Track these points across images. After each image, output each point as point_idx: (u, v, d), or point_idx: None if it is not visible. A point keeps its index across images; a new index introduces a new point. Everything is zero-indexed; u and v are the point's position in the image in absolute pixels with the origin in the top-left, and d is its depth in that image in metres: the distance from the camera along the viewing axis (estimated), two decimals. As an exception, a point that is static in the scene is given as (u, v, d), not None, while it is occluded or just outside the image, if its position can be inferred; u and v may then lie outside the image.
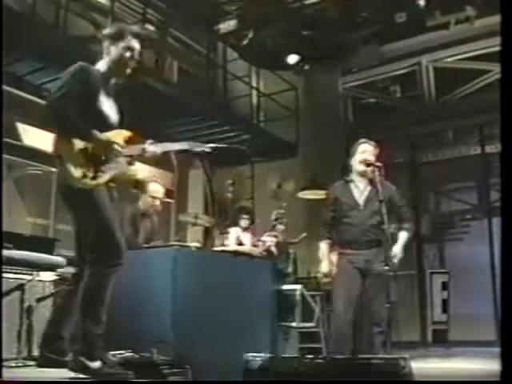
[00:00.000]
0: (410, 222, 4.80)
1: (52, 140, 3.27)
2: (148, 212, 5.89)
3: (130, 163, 3.50)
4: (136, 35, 3.55)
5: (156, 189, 5.86)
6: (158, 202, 5.92)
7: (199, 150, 3.71)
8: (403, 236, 4.66)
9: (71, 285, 3.45)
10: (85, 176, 3.19)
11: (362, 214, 4.61)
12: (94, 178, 3.22)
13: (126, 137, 3.46)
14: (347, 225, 4.66)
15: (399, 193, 4.84)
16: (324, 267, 4.80)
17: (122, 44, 3.48)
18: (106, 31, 3.59)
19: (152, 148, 3.50)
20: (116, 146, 3.32)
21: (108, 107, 3.45)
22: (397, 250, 4.55)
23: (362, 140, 4.79)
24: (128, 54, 3.49)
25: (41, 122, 3.20)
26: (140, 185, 5.86)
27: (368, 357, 3.37)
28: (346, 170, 4.84)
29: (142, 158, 3.51)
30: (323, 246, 4.83)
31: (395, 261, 4.47)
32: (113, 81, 3.57)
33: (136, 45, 3.52)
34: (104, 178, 3.27)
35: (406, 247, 4.69)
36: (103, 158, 3.29)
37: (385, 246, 4.33)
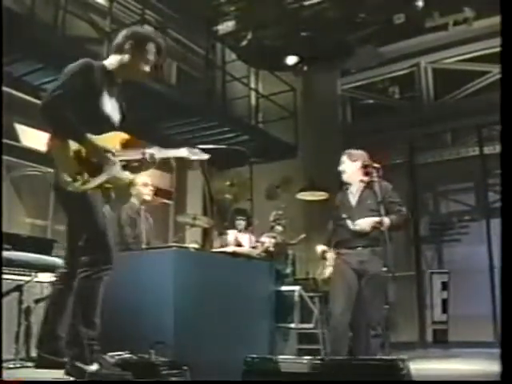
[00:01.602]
0: (398, 217, 4.73)
1: (46, 140, 3.24)
2: (146, 204, 5.94)
3: (133, 170, 3.46)
4: (159, 49, 3.50)
5: (143, 178, 5.88)
6: (151, 188, 5.96)
7: (195, 158, 3.64)
8: (384, 219, 4.55)
9: (60, 284, 3.43)
10: (75, 180, 3.15)
11: (353, 213, 4.71)
12: (84, 182, 3.17)
13: (124, 140, 3.41)
14: (341, 226, 4.79)
15: (395, 190, 4.87)
16: (325, 272, 4.88)
17: (141, 54, 3.43)
18: (133, 33, 3.48)
19: (150, 151, 3.41)
20: (109, 155, 3.26)
21: (110, 107, 3.41)
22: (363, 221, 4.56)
23: (347, 151, 4.96)
24: (143, 65, 3.45)
25: (37, 121, 3.15)
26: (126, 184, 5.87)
27: (366, 358, 3.38)
28: (342, 183, 5.02)
29: (141, 163, 3.43)
30: (320, 249, 4.91)
31: (357, 228, 4.56)
32: (118, 80, 3.51)
33: (153, 58, 3.48)
34: (94, 182, 3.21)
35: (405, 248, 4.71)
36: (96, 161, 3.23)
37: (383, 248, 4.35)
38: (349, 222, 4.65)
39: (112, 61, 3.45)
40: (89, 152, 3.20)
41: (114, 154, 3.29)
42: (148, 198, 6.01)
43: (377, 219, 4.47)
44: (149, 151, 3.41)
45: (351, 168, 4.84)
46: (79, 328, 3.10)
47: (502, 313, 2.99)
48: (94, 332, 3.15)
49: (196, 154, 3.64)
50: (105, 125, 3.34)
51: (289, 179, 9.64)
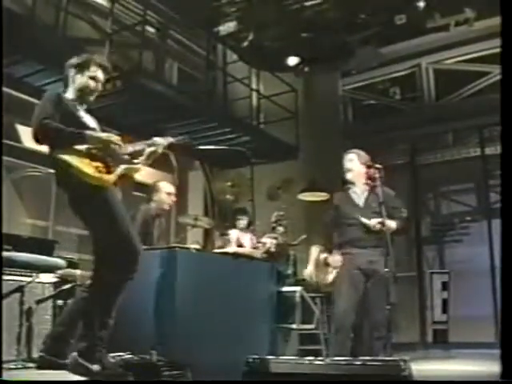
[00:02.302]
0: (402, 221, 4.76)
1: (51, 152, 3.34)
2: (163, 211, 5.93)
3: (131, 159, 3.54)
4: (101, 66, 3.66)
5: (167, 186, 5.89)
6: (173, 198, 5.96)
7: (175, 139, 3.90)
8: (391, 222, 4.61)
9: (86, 292, 3.43)
10: (99, 172, 3.23)
11: (362, 212, 4.66)
12: (107, 173, 3.29)
13: (117, 139, 3.49)
14: (349, 225, 4.73)
15: (399, 195, 4.88)
16: (308, 271, 4.89)
17: (86, 73, 3.60)
18: (72, 61, 3.66)
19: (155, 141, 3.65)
20: (114, 139, 3.39)
21: (90, 121, 3.56)
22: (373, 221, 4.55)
23: (348, 151, 4.95)
24: (93, 84, 3.60)
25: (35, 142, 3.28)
26: (149, 187, 5.88)
27: (368, 359, 3.38)
28: (344, 181, 4.94)
29: (145, 155, 3.58)
30: (315, 251, 4.91)
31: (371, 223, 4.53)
32: (83, 106, 3.64)
33: (100, 75, 3.64)
34: (117, 171, 3.34)
35: (406, 249, 4.71)
36: (105, 155, 3.34)
37: (384, 249, 4.34)
38: (363, 219, 4.60)
39: (69, 95, 3.61)
40: (96, 146, 3.31)
41: (116, 143, 3.42)
42: (167, 207, 5.98)
43: (380, 220, 4.47)
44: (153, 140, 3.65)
45: (358, 167, 4.81)
46: (94, 327, 3.16)
47: (501, 313, 2.99)
48: (106, 332, 3.20)
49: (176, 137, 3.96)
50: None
51: (290, 180, 9.63)
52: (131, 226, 3.37)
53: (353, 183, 4.88)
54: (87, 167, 3.23)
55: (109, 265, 3.24)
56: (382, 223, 4.39)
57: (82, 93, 3.60)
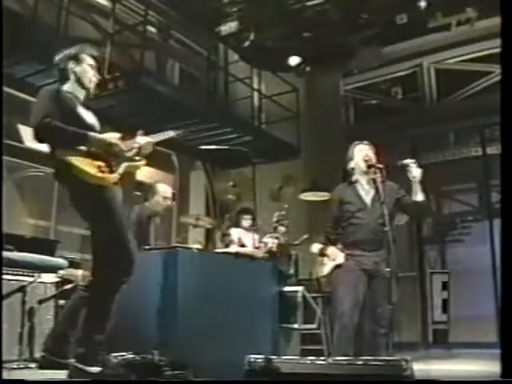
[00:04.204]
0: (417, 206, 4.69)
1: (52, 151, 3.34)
2: (158, 213, 5.92)
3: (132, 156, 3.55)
4: (92, 56, 3.71)
5: (166, 189, 5.88)
6: (169, 202, 5.94)
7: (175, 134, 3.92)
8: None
9: (86, 291, 3.44)
10: (101, 171, 3.23)
11: (370, 214, 4.56)
12: (109, 172, 3.30)
13: (117, 138, 3.50)
14: (355, 225, 4.60)
15: (402, 188, 4.79)
16: (324, 269, 4.82)
17: (84, 63, 3.64)
18: (69, 52, 3.69)
19: (144, 139, 3.62)
20: (114, 141, 3.39)
21: (89, 117, 3.55)
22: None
23: (356, 142, 4.81)
24: (91, 72, 3.64)
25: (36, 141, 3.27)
26: (146, 186, 5.88)
27: (370, 358, 3.37)
28: (348, 173, 4.82)
29: (139, 150, 3.58)
30: (317, 247, 4.84)
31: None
32: (81, 98, 3.64)
33: (93, 63, 3.68)
34: (120, 169, 3.36)
35: (408, 248, 4.68)
36: (106, 154, 3.35)
37: (386, 248, 4.32)
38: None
39: (67, 88, 3.60)
40: (97, 146, 3.32)
41: (117, 143, 3.43)
42: (161, 211, 5.97)
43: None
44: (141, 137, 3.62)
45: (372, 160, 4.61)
46: (90, 332, 3.15)
47: (501, 313, 2.99)
48: (103, 336, 3.19)
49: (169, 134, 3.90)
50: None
51: (292, 180, 9.64)
52: (128, 229, 3.36)
53: (363, 175, 4.66)
54: (89, 167, 3.23)
55: (104, 266, 3.25)
56: (384, 224, 4.34)
57: (82, 86, 3.61)
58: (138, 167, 3.58)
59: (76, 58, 3.64)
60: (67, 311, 3.54)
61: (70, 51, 3.68)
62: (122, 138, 3.51)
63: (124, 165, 3.41)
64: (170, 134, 3.87)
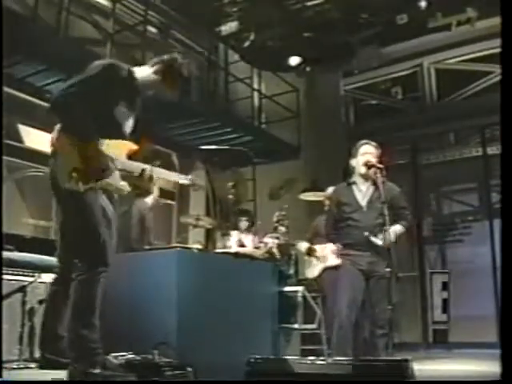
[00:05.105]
0: (409, 223, 4.75)
1: (53, 134, 3.24)
2: (155, 205, 5.95)
3: (130, 181, 3.46)
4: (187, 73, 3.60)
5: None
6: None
7: (182, 182, 3.78)
8: (397, 227, 4.59)
9: (56, 285, 3.42)
10: (76, 178, 3.13)
11: (365, 215, 4.60)
12: (85, 182, 3.15)
13: (131, 150, 3.42)
14: (350, 227, 4.65)
15: (403, 194, 4.82)
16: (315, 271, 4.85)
17: (169, 79, 3.52)
18: (171, 57, 3.57)
19: (149, 169, 3.49)
20: (110, 164, 3.26)
21: (124, 115, 3.40)
22: (391, 231, 4.40)
23: (364, 141, 4.79)
24: (170, 88, 3.56)
25: (40, 122, 3.18)
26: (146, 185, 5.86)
27: (370, 359, 3.38)
28: (348, 172, 4.84)
29: (139, 179, 3.49)
30: (303, 247, 4.86)
31: (390, 237, 4.35)
32: (140, 90, 3.53)
33: (180, 83, 3.59)
34: (94, 184, 3.20)
35: (407, 248, 4.68)
36: (98, 164, 3.21)
37: (385, 250, 4.33)
38: (373, 239, 4.50)
39: (143, 71, 3.51)
40: (91, 155, 3.18)
41: (114, 162, 3.30)
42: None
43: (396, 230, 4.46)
44: (148, 169, 3.48)
45: (376, 160, 4.61)
46: (79, 331, 3.09)
47: (501, 313, 2.98)
48: (95, 334, 3.13)
49: (183, 179, 3.77)
50: (114, 132, 3.32)
51: (292, 180, 9.64)
52: (101, 228, 3.21)
53: (357, 178, 4.71)
54: (68, 168, 3.13)
55: (78, 265, 3.18)
56: (384, 224, 4.34)
57: (154, 86, 3.55)
58: (119, 191, 3.41)
59: (165, 71, 3.53)
60: (48, 310, 3.50)
61: (172, 57, 3.59)
62: (134, 154, 3.42)
63: (100, 183, 3.22)
64: (183, 179, 3.78)
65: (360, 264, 4.54)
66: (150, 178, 3.49)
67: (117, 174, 3.34)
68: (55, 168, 3.20)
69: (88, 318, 3.12)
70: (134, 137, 3.51)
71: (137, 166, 3.46)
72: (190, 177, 3.79)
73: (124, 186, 3.39)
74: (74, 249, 3.26)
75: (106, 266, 3.20)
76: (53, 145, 3.24)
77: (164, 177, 3.68)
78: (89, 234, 3.19)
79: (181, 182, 3.77)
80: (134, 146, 3.43)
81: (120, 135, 3.37)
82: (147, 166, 3.48)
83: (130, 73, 3.43)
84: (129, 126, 3.48)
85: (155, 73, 3.51)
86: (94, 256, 3.18)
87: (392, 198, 4.57)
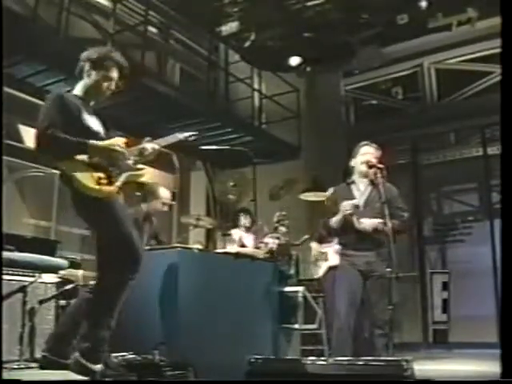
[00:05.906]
0: (403, 223, 4.71)
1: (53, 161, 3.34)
2: (152, 215, 5.89)
3: (135, 165, 3.51)
4: (118, 64, 3.53)
5: (166, 195, 5.83)
6: (166, 208, 5.90)
7: (183, 137, 3.84)
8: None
9: (90, 293, 3.42)
10: (99, 184, 3.19)
11: (361, 215, 4.60)
12: (108, 184, 3.23)
13: (123, 143, 3.45)
14: (348, 226, 4.66)
15: (401, 195, 4.82)
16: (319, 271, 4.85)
17: (102, 72, 3.46)
18: (89, 54, 3.51)
19: (150, 145, 3.54)
20: (117, 148, 3.34)
21: (94, 123, 3.45)
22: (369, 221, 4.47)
23: (364, 142, 4.81)
24: (106, 84, 3.48)
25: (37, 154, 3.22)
26: (147, 188, 5.84)
27: (370, 359, 3.37)
28: (348, 172, 4.85)
29: (144, 157, 3.53)
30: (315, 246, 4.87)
31: (361, 226, 4.45)
32: (91, 103, 3.54)
33: (115, 75, 3.51)
34: (119, 181, 3.30)
35: (407, 248, 4.67)
36: (108, 164, 3.29)
37: (387, 248, 4.32)
38: (354, 220, 4.54)
39: (78, 88, 3.51)
40: (98, 155, 3.26)
41: (119, 151, 3.36)
42: (153, 212, 5.93)
43: (380, 221, 4.40)
44: (147, 143, 3.55)
45: (376, 160, 4.61)
46: (96, 328, 3.14)
47: (501, 313, 2.99)
48: (108, 333, 3.19)
49: (180, 136, 3.84)
50: (95, 140, 3.35)
51: (292, 180, 9.63)
52: (133, 230, 3.34)
53: (357, 177, 4.72)
54: (87, 179, 3.18)
55: (111, 266, 3.24)
56: (385, 223, 4.33)
57: (93, 92, 3.48)
58: (138, 177, 3.50)
59: (95, 63, 3.46)
60: (71, 312, 3.54)
61: (92, 52, 3.50)
62: (127, 144, 3.46)
63: (124, 175, 3.35)
64: (178, 136, 3.79)
65: (358, 264, 4.55)
66: (153, 149, 3.54)
67: (129, 164, 3.44)
68: (74, 182, 3.21)
69: (109, 318, 3.20)
70: (129, 127, 3.57)
71: (136, 149, 3.51)
72: (186, 134, 3.88)
73: (141, 168, 3.50)
74: (109, 255, 3.29)
75: (139, 268, 3.28)
76: (59, 168, 3.27)
77: (163, 143, 3.70)
78: (123, 239, 3.25)
79: (180, 137, 3.82)
80: (123, 140, 3.47)
81: (101, 140, 3.40)
82: (144, 144, 3.54)
83: (74, 95, 3.46)
84: (102, 130, 3.50)
85: (84, 77, 3.49)
86: (129, 260, 3.25)
87: (390, 198, 4.58)
